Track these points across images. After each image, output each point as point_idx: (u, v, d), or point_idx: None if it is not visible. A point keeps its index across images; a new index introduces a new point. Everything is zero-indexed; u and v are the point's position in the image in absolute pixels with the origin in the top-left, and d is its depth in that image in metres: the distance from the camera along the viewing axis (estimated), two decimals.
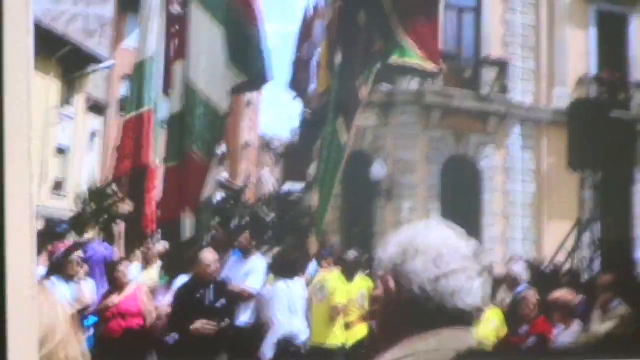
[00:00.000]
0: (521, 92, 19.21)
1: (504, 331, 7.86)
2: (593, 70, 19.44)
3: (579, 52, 19.35)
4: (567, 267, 10.37)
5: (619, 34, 19.90)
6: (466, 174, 18.41)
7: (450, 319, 1.50)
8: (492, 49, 19.32)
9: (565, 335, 7.26)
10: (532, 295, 7.82)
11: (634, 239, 15.73)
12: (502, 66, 19.00)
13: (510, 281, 8.62)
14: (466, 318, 1.53)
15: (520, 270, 8.78)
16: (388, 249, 1.61)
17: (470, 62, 19.61)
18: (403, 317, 1.52)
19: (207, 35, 8.70)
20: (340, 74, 8.69)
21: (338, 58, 8.92)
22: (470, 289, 1.52)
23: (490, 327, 7.65)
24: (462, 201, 16.06)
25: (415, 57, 8.89)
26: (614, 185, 11.15)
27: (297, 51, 15.99)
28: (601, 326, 7.05)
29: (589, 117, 10.70)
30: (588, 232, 10.49)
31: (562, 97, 18.16)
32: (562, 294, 7.50)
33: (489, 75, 18.92)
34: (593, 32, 19.67)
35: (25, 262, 1.30)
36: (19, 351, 1.29)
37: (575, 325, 7.26)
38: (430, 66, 9.25)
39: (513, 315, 7.83)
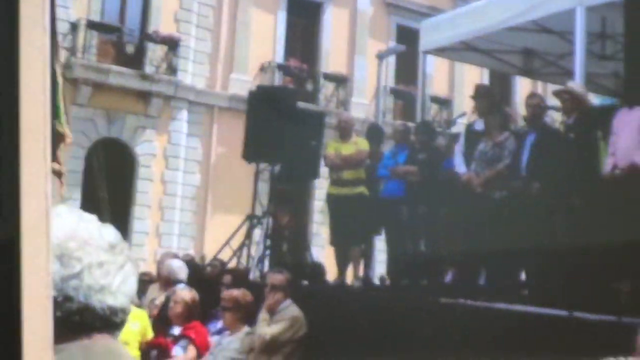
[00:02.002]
0: (192, 74, 19.24)
1: (149, 333, 7.43)
2: (279, 57, 20.19)
3: (264, 37, 19.82)
4: (232, 265, 10.16)
5: (312, 22, 20.93)
6: (118, 159, 17.82)
7: (99, 322, 1.50)
8: (161, 24, 19.03)
9: (230, 338, 7.06)
10: (184, 295, 7.50)
11: (310, 235, 16.39)
12: (171, 45, 18.73)
13: (163, 279, 8.42)
14: (114, 321, 1.52)
15: (176, 267, 8.50)
16: None
17: (133, 36, 19.09)
18: None
19: None
20: None
21: None
22: (110, 287, 1.51)
23: (131, 329, 7.12)
24: (109, 190, 15.22)
25: None
26: (293, 179, 11.24)
27: None
28: (268, 329, 6.93)
29: (270, 106, 10.63)
30: (260, 228, 10.38)
31: (241, 83, 18.41)
32: (232, 293, 7.26)
33: (155, 53, 18.64)
34: (282, 17, 20.36)
35: (41, 261, 1.40)
36: (33, 353, 1.37)
37: (244, 331, 7.08)
38: None
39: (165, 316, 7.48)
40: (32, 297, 1.39)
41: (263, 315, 7.03)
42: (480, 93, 8.96)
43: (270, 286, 7.21)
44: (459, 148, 8.69)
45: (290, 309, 7.12)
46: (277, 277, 7.32)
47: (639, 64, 6.46)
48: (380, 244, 10.53)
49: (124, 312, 1.54)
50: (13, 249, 1.38)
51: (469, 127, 8.88)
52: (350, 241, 9.66)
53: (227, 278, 8.94)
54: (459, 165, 8.51)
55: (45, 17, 1.49)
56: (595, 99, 10.48)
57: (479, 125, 8.64)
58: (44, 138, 1.45)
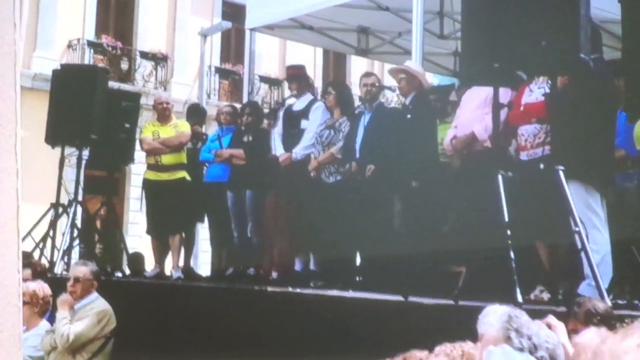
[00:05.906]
0: None
1: None
2: (90, 34, 19.63)
3: (73, 11, 19.15)
4: (34, 258, 9.66)
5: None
6: None
7: None
8: None
9: (27, 334, 6.71)
10: None
11: (125, 224, 15.91)
12: None
13: None
14: None
15: None
16: None
17: None
18: None
19: None
20: None
21: None
22: None
23: None
24: None
25: None
26: (104, 164, 10.91)
27: None
28: (72, 327, 6.78)
29: (76, 87, 10.27)
30: (66, 217, 9.96)
31: (46, 62, 17.70)
32: (29, 286, 6.94)
33: None
34: None
35: (11, 258, 1.57)
36: (3, 349, 1.55)
37: (41, 325, 6.95)
38: None
39: None
40: (1, 294, 1.49)
41: (63, 312, 6.81)
42: (293, 74, 9.01)
43: (73, 279, 7.04)
44: (277, 131, 8.66)
45: (97, 303, 7.02)
46: (80, 270, 7.17)
47: (475, 44, 6.65)
48: (204, 232, 10.43)
49: None
50: None
51: (288, 109, 8.89)
52: (169, 229, 9.46)
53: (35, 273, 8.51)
54: (277, 148, 8.49)
55: (15, 13, 1.60)
56: (433, 79, 10.82)
57: (298, 107, 8.67)
58: (14, 135, 1.55)
